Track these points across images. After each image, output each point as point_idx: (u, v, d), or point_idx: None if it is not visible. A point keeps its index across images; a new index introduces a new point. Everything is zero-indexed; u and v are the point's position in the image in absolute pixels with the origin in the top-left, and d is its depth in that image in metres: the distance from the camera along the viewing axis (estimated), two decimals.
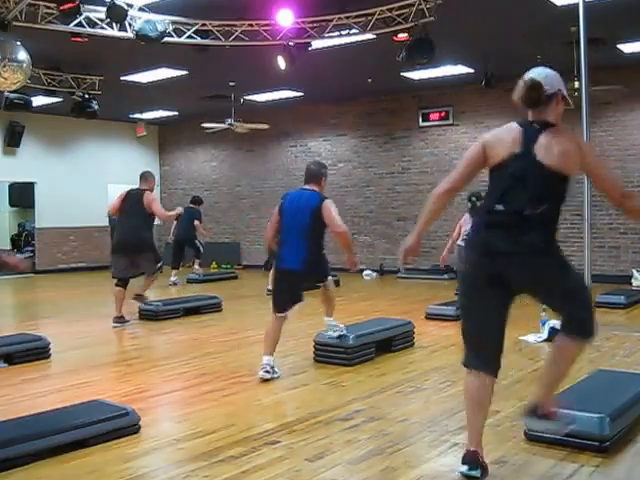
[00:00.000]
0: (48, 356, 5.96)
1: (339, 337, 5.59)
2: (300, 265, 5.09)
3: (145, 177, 8.10)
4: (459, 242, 8.45)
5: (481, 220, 3.13)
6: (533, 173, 2.94)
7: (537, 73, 3.10)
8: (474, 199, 8.48)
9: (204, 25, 8.56)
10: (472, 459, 3.03)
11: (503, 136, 3.11)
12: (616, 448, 3.43)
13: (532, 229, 2.91)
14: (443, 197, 3.16)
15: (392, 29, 8.20)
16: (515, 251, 2.92)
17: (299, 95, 13.58)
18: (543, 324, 6.59)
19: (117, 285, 7.82)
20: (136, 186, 8.05)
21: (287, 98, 13.79)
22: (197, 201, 13.10)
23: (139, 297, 8.27)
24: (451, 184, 3.15)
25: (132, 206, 7.79)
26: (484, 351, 3.08)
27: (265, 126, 13.17)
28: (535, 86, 3.04)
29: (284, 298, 5.26)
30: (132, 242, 7.71)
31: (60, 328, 7.71)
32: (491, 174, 3.09)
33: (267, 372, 5.05)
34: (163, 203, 17.72)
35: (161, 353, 6.54)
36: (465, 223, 8.49)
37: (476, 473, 3.01)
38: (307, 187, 5.30)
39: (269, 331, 5.27)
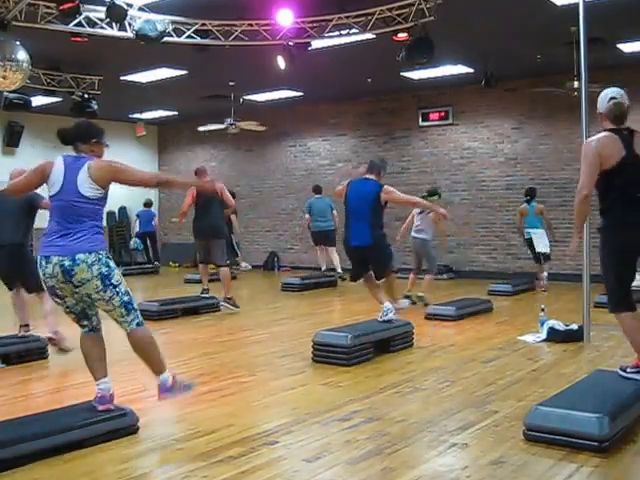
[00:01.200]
0: (46, 356, 5.95)
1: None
2: (368, 241, 6.05)
3: (203, 171, 9.07)
4: (413, 233, 9.07)
5: (626, 206, 4.10)
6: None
7: (619, 94, 4.26)
8: (426, 194, 9.00)
9: (204, 25, 8.56)
10: None
11: (609, 143, 4.10)
12: (615, 448, 3.43)
13: None
14: (586, 201, 4.16)
15: (392, 29, 8.21)
16: None
17: (299, 95, 13.57)
18: (542, 324, 6.58)
19: (201, 263, 9.17)
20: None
21: (287, 98, 13.78)
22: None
23: (227, 300, 8.69)
24: (589, 190, 4.13)
25: (208, 197, 8.45)
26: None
27: (262, 127, 13.16)
28: (625, 106, 4.22)
29: (356, 270, 6.37)
30: (209, 228, 8.66)
31: (58, 328, 7.67)
32: (607, 175, 4.08)
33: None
34: (162, 203, 17.80)
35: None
36: (417, 216, 8.89)
37: None
38: (368, 176, 6.29)
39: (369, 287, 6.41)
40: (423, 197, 8.97)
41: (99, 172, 3.73)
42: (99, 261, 3.66)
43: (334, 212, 11.72)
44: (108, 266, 3.70)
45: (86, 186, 3.68)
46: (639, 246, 4.16)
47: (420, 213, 8.95)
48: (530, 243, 10.16)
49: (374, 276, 6.26)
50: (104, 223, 3.79)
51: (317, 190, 12.46)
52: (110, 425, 3.71)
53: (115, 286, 3.71)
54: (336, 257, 11.89)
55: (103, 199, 3.79)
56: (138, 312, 3.84)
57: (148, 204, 15.43)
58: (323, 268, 12.19)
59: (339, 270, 11.80)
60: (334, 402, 4.44)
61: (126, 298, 3.76)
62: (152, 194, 17.47)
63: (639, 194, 4.08)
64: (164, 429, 4.02)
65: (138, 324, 3.83)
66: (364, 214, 6.03)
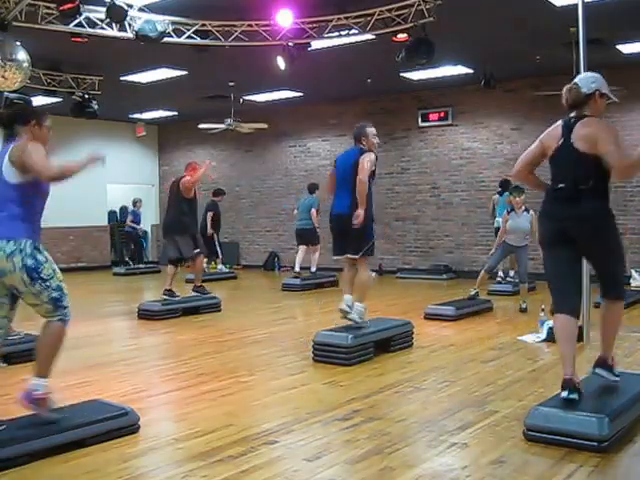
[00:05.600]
0: None
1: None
2: (348, 209, 5.74)
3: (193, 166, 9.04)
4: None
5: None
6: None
7: (580, 79, 3.94)
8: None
9: (204, 25, 8.57)
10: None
11: (550, 131, 4.03)
12: (615, 448, 3.43)
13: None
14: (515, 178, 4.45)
15: (392, 29, 8.22)
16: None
17: (299, 95, 13.58)
18: (542, 324, 6.59)
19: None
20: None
21: (287, 98, 13.79)
22: (219, 193, 13.84)
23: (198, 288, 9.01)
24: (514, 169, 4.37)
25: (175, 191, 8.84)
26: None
27: (264, 125, 13.18)
28: (575, 91, 3.85)
29: (338, 243, 5.99)
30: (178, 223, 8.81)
31: None
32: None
33: (347, 307, 5.82)
34: (163, 203, 17.76)
35: (160, 353, 6.54)
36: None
37: (574, 396, 3.62)
38: (354, 146, 6.13)
39: (343, 274, 6.20)
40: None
41: (15, 153, 3.50)
42: (20, 252, 3.44)
43: (312, 211, 11.61)
44: (35, 258, 3.48)
45: (7, 171, 3.49)
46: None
47: (511, 211, 8.33)
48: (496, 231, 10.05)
49: (350, 250, 5.89)
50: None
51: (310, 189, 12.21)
52: (111, 424, 3.71)
53: (45, 280, 3.52)
54: (315, 257, 11.84)
55: (30, 185, 3.52)
56: (67, 310, 3.64)
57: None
58: (313, 269, 11.89)
59: (313, 269, 11.80)
60: (334, 402, 4.44)
61: (56, 294, 3.57)
62: (152, 193, 17.53)
63: (558, 186, 3.84)
64: (164, 428, 4.03)
65: (61, 319, 3.62)
66: (347, 183, 5.82)
